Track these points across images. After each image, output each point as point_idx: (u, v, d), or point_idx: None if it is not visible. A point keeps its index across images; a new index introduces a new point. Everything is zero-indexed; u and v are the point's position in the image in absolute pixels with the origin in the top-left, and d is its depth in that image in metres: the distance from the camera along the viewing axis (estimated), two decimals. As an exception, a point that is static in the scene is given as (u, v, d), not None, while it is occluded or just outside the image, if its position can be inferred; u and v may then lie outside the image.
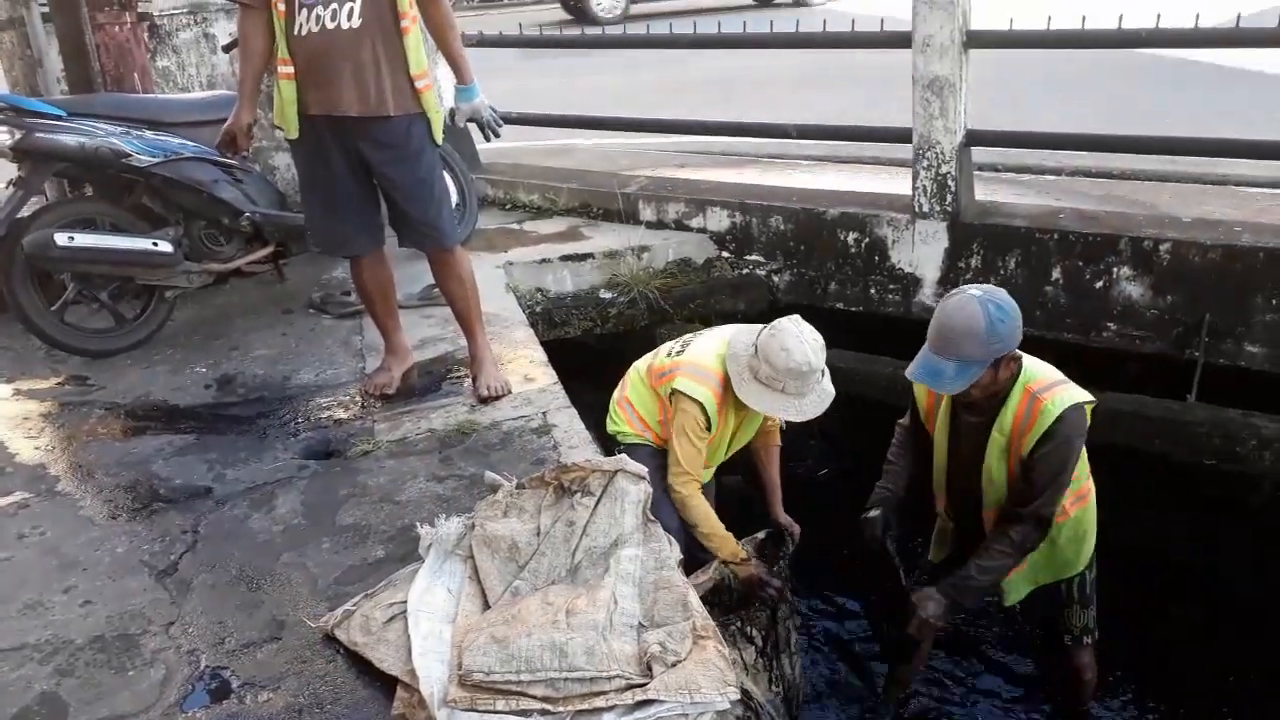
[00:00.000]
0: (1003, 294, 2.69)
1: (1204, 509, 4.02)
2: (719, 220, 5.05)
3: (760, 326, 3.09)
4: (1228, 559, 3.95)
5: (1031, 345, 4.26)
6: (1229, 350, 3.89)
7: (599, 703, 1.91)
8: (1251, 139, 4.27)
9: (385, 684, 2.13)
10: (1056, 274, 4.18)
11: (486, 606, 2.29)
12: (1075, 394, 2.76)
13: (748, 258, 5.01)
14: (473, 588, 2.34)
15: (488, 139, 3.53)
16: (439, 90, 3.39)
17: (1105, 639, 3.41)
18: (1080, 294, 4.14)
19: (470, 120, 3.44)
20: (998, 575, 2.90)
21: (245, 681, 2.20)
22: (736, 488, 4.37)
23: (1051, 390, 2.74)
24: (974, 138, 4.28)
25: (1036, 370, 2.81)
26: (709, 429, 3.11)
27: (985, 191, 4.78)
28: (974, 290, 2.66)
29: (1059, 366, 3.77)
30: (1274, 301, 3.75)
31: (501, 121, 3.50)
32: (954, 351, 2.62)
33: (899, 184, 4.58)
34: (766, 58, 9.04)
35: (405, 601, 2.27)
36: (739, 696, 1.99)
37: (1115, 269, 4.04)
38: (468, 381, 3.59)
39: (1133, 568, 4.00)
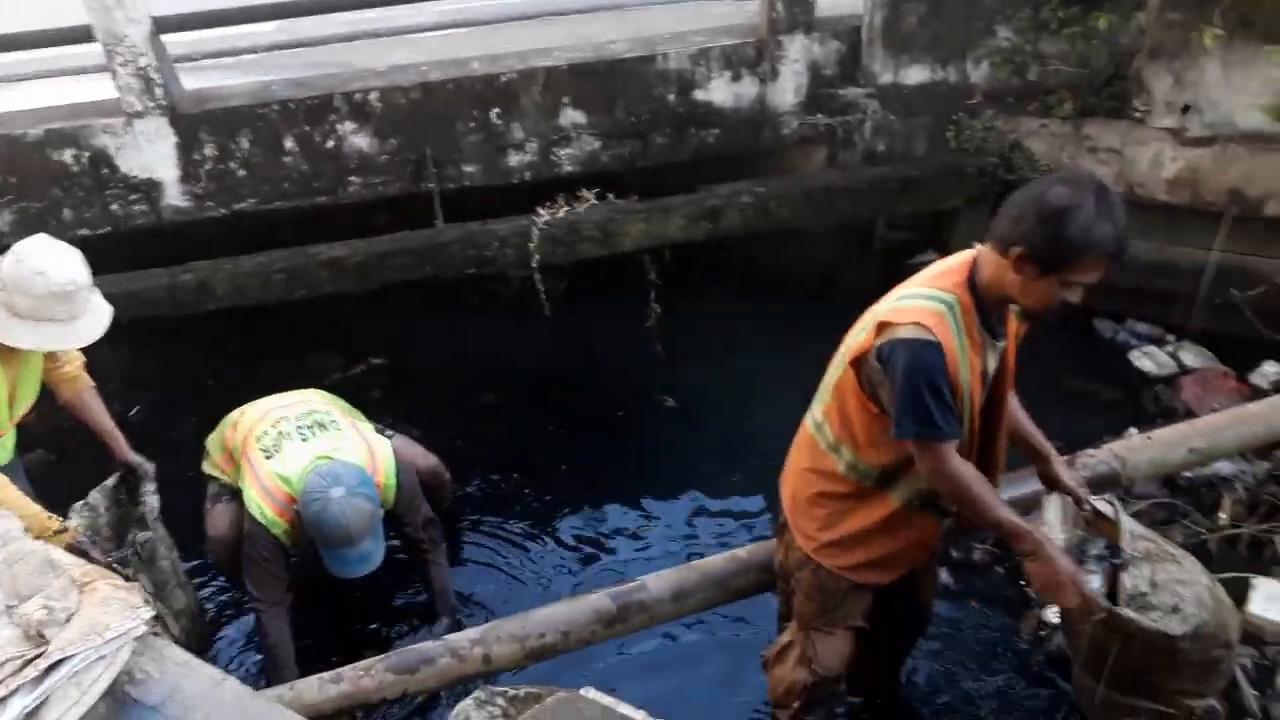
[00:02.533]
0: (339, 468, 2.90)
1: (474, 311, 4.79)
2: (-118, 176, 4.15)
3: None
4: (500, 347, 4.80)
5: (274, 217, 4.46)
6: (453, 175, 4.52)
7: (-1, 693, 1.71)
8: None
9: None
10: (290, 143, 4.34)
11: None
12: None
13: (-54, 210, 4.25)
14: None
15: None
16: None
17: (452, 433, 4.00)
18: (317, 157, 4.38)
19: None
20: None
21: None
22: (42, 461, 3.94)
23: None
24: (163, 24, 4.12)
25: None
26: None
27: (197, 81, 4.69)
28: (335, 492, 2.85)
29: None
30: (472, 125, 4.43)
31: None
32: (369, 535, 2.88)
33: (108, 88, 4.23)
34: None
35: None
36: (154, 614, 1.94)
37: (339, 126, 4.34)
38: None
39: (440, 375, 4.67)
